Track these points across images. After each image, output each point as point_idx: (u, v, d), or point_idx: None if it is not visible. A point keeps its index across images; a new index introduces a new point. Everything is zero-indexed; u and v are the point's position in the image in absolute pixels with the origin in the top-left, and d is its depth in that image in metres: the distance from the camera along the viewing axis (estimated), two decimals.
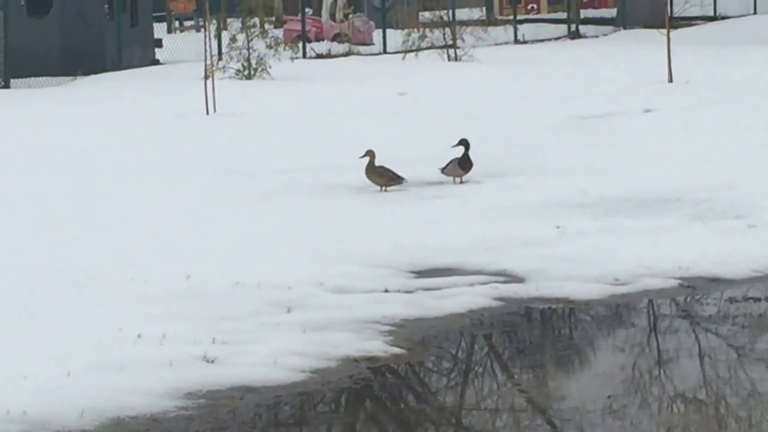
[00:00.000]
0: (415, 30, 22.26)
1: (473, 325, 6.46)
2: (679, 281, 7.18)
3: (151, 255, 7.63)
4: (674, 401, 5.36)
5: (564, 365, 5.92)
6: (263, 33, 19.44)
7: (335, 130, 13.21)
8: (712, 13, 31.63)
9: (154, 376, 5.44)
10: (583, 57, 21.71)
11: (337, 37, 26.31)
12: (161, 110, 15.22)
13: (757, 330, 6.32)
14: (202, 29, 18.53)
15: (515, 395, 5.51)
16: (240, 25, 19.36)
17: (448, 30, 22.11)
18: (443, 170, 10.08)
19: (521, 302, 6.83)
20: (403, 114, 14.47)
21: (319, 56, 23.27)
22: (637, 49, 22.56)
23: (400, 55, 21.92)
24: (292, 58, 20.57)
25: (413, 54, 21.52)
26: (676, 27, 20.32)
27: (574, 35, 28.87)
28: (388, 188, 9.81)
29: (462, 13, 24.06)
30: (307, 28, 25.28)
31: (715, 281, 7.21)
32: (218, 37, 20.74)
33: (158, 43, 23.03)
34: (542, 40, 27.77)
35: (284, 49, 19.96)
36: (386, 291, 6.91)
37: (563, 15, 30.31)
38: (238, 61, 18.88)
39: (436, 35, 22.10)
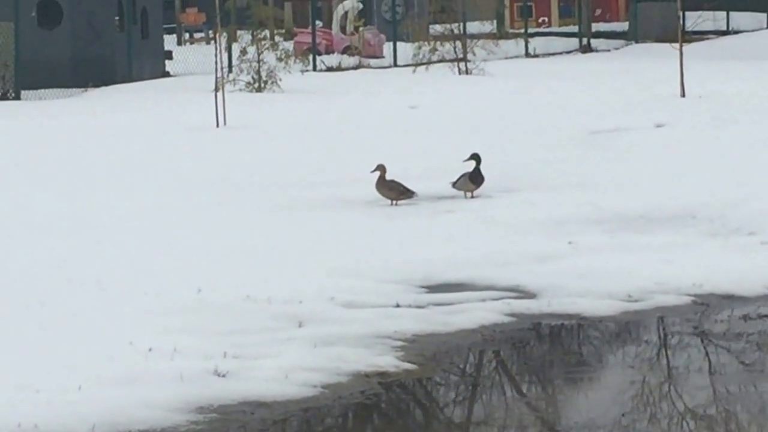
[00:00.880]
0: (426, 43, 22.27)
1: (485, 341, 6.44)
2: (693, 298, 7.15)
3: (162, 268, 7.62)
4: (686, 419, 5.33)
5: (575, 382, 5.89)
6: (273, 45, 19.47)
7: (345, 144, 13.20)
8: (724, 28, 31.62)
9: (165, 390, 5.43)
10: (595, 71, 21.70)
11: (347, 50, 26.33)
12: (171, 122, 15.23)
13: None
14: (213, 41, 18.56)
15: (526, 412, 5.48)
16: (250, 37, 19.39)
17: (458, 43, 22.11)
18: (454, 184, 10.06)
19: (533, 318, 6.81)
20: (414, 127, 14.47)
21: (330, 69, 23.29)
22: (649, 63, 22.55)
23: (411, 68, 21.92)
24: (302, 71, 20.59)
25: (424, 67, 21.52)
26: (688, 41, 20.34)
27: (586, 49, 28.87)
28: (399, 202, 9.79)
29: (473, 26, 24.06)
30: (318, 40, 25.32)
31: (729, 298, 7.18)
32: (228, 49, 20.78)
33: (168, 55, 23.08)
34: (553, 54, 27.79)
35: (294, 61, 19.98)
36: (398, 306, 6.89)
37: (575, 28, 30.33)
38: (248, 73, 18.90)
39: (446, 48, 22.10)
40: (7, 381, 5.50)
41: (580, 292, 7.17)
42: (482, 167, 10.01)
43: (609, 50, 29.14)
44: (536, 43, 27.95)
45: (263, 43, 19.19)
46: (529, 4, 31.12)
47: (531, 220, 8.98)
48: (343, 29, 27.26)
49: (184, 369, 5.64)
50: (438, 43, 22.20)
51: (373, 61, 24.91)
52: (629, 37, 30.51)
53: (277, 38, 20.30)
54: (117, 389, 5.41)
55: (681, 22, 18.53)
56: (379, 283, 7.30)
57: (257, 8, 19.74)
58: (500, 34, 24.58)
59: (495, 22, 26.82)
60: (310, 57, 23.04)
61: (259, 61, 18.89)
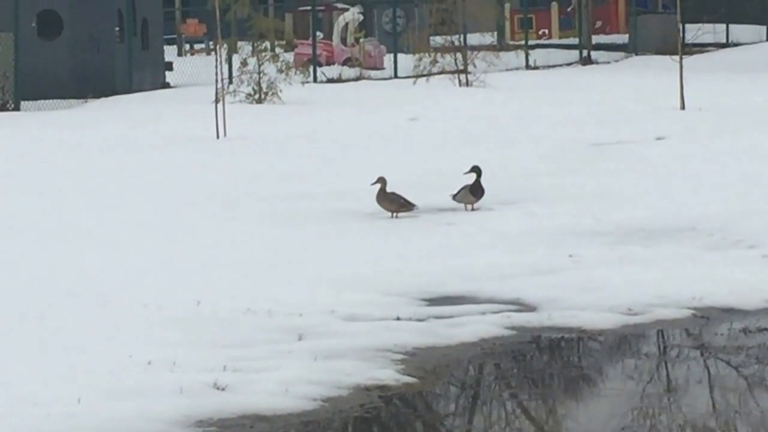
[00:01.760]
0: (427, 55, 22.29)
1: (485, 354, 6.43)
2: (693, 311, 7.14)
3: (162, 280, 7.62)
4: (686, 431, 5.32)
5: (576, 395, 5.88)
6: (274, 57, 19.49)
7: (346, 156, 13.21)
8: (724, 40, 31.65)
9: (164, 403, 5.42)
10: (595, 83, 21.72)
11: (347, 62, 26.38)
12: (172, 133, 15.24)
13: None
14: (213, 52, 18.58)
15: (526, 425, 5.48)
16: (251, 48, 19.41)
17: (459, 55, 22.14)
18: (455, 197, 10.07)
19: (534, 331, 6.80)
20: (414, 139, 14.47)
21: (330, 80, 23.31)
22: (649, 75, 22.57)
23: (411, 80, 21.95)
24: (303, 82, 20.61)
25: (424, 79, 21.54)
26: (688, 53, 20.37)
27: (586, 61, 28.92)
28: (400, 215, 9.79)
29: (473, 38, 24.10)
30: (318, 52, 25.37)
31: (729, 311, 7.17)
32: (229, 60, 20.81)
33: (169, 66, 23.12)
34: (554, 66, 27.82)
35: (295, 73, 20.00)
36: (398, 319, 6.89)
37: (575, 41, 30.38)
38: (248, 84, 18.91)
39: (447, 60, 22.13)
40: (6, 393, 5.50)
41: (581, 305, 7.16)
42: (483, 179, 10.01)
43: (609, 62, 29.18)
44: (537, 55, 27.99)
45: (264, 54, 19.21)
46: (529, 16, 31.17)
47: (532, 233, 8.98)
48: (343, 41, 27.31)
49: (183, 382, 5.64)
50: (438, 54, 22.22)
51: (373, 73, 24.95)
52: (629, 49, 30.55)
53: (277, 50, 20.30)
54: (116, 402, 5.41)
55: (681, 34, 18.55)
56: (379, 295, 7.30)
57: (258, 20, 19.74)
58: (501, 46, 24.65)
59: (495, 34, 26.88)
60: (311, 68, 23.06)
61: (259, 73, 18.91)
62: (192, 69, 22.51)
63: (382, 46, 27.16)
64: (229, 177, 11.97)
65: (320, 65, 24.67)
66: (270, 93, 18.86)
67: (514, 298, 7.33)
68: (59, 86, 19.79)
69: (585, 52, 29.34)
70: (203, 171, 12.39)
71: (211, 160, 13.10)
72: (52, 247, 8.72)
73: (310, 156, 13.31)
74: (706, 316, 7.10)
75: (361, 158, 12.81)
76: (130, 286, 7.47)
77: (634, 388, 5.91)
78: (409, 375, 5.99)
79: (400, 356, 6.25)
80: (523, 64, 26.99)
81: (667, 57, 18.86)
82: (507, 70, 24.74)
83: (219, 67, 15.11)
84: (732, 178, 11.04)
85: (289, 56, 23.48)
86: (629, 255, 8.30)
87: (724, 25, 31.30)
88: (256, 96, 18.89)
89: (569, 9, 33.16)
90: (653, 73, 22.76)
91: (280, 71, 19.30)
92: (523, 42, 28.50)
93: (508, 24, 31.42)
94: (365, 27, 28.94)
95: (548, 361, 6.51)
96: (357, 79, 23.68)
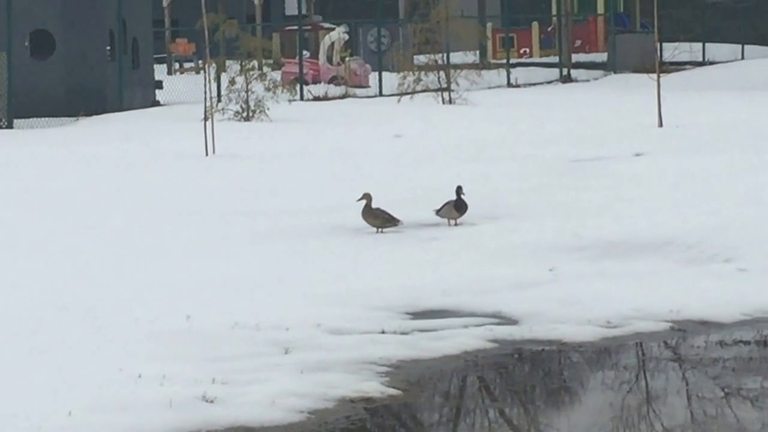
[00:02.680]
0: (411, 73, 22.47)
1: (468, 366, 6.52)
2: (670, 324, 7.25)
3: (151, 295, 7.70)
4: None
5: (557, 406, 5.99)
6: (262, 75, 19.63)
7: (332, 172, 13.33)
8: (701, 59, 31.91)
9: (154, 416, 5.47)
10: (575, 100, 21.90)
11: (333, 80, 26.54)
12: (161, 151, 15.34)
13: (746, 373, 6.41)
14: (202, 71, 18.71)
15: None
16: (239, 67, 19.55)
17: (442, 73, 22.34)
18: (438, 212, 10.20)
19: (515, 344, 6.90)
20: (399, 156, 14.60)
21: (317, 98, 23.46)
22: (627, 93, 22.75)
23: (396, 98, 22.11)
24: (290, 101, 20.75)
25: (408, 97, 21.71)
26: (665, 72, 20.55)
27: (566, 79, 29.16)
28: (384, 230, 9.92)
29: (456, 57, 24.27)
30: (305, 70, 25.53)
31: (705, 324, 7.27)
32: (218, 79, 20.94)
33: (159, 85, 23.23)
34: (535, 84, 28.05)
35: (282, 91, 20.14)
36: (383, 332, 6.98)
37: (555, 59, 30.60)
38: (237, 103, 19.04)
39: (431, 78, 22.32)
40: None
41: (561, 318, 7.26)
42: (465, 195, 10.16)
43: (588, 80, 29.41)
44: (518, 74, 28.20)
45: (251, 73, 19.34)
46: (511, 35, 31.35)
47: (513, 247, 9.09)
48: (329, 59, 27.46)
49: (173, 395, 5.70)
50: (422, 73, 22.41)
51: (359, 91, 25.11)
52: (608, 67, 30.79)
53: (265, 68, 20.46)
54: (106, 415, 5.45)
55: (658, 53, 18.77)
56: (364, 309, 7.38)
57: (246, 39, 19.89)
58: (483, 65, 24.82)
59: (478, 52, 27.07)
60: (298, 87, 23.20)
61: (247, 91, 19.04)
62: (181, 87, 22.63)
63: (368, 65, 27.33)
64: (218, 193, 12.07)
65: (307, 83, 24.83)
66: (258, 111, 18.99)
67: (495, 312, 7.44)
68: (51, 104, 19.90)
69: (565, 71, 29.57)
70: (192, 187, 12.49)
71: (200, 177, 13.20)
72: (43, 262, 8.79)
73: (297, 172, 13.43)
74: (683, 328, 7.21)
75: (346, 174, 12.93)
76: (120, 300, 7.54)
77: (613, 398, 6.01)
78: (393, 387, 6.06)
79: (384, 369, 6.33)
80: (505, 82, 27.20)
81: (645, 75, 19.01)
82: (489, 88, 24.93)
83: (208, 85, 15.24)
84: (708, 194, 11.15)
85: (277, 75, 23.62)
86: (608, 269, 8.42)
87: (700, 44, 31.56)
88: (244, 114, 19.02)
89: (549, 28, 33.38)
90: (631, 91, 22.94)
91: (268, 89, 19.43)
92: (504, 60, 28.69)
93: (490, 43, 31.60)
94: (351, 46, 29.10)
95: (530, 373, 6.61)
96: (343, 97, 23.84)
